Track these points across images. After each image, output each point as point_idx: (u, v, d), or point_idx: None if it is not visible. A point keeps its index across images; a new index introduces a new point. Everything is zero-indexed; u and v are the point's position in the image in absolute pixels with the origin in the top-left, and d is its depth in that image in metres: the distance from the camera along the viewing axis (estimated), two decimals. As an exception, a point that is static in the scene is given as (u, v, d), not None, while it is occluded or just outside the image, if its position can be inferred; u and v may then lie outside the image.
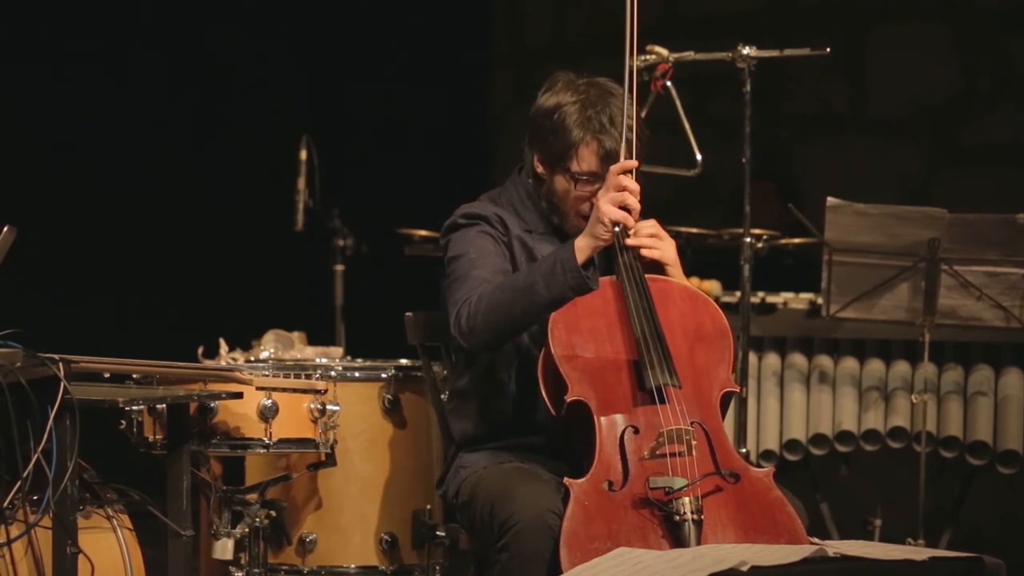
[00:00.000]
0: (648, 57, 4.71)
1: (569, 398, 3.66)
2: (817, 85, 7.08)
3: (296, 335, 5.14)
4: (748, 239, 4.83)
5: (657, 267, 3.83)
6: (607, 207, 3.67)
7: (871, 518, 5.18)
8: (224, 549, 4.20)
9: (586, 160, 3.79)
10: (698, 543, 3.50)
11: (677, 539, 3.52)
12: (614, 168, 3.71)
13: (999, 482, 5.22)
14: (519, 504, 3.56)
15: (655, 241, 3.79)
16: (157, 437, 4.03)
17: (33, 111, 6.86)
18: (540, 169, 3.87)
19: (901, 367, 5.06)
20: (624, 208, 3.68)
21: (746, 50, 4.75)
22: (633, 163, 3.71)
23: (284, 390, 4.11)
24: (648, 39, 4.78)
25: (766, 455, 5.14)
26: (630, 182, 3.70)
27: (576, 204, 3.83)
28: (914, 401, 4.91)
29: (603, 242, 3.69)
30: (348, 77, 7.73)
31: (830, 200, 4.74)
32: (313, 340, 5.26)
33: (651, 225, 3.82)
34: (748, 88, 4.78)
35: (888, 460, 5.23)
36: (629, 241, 3.77)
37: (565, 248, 3.70)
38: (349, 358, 4.99)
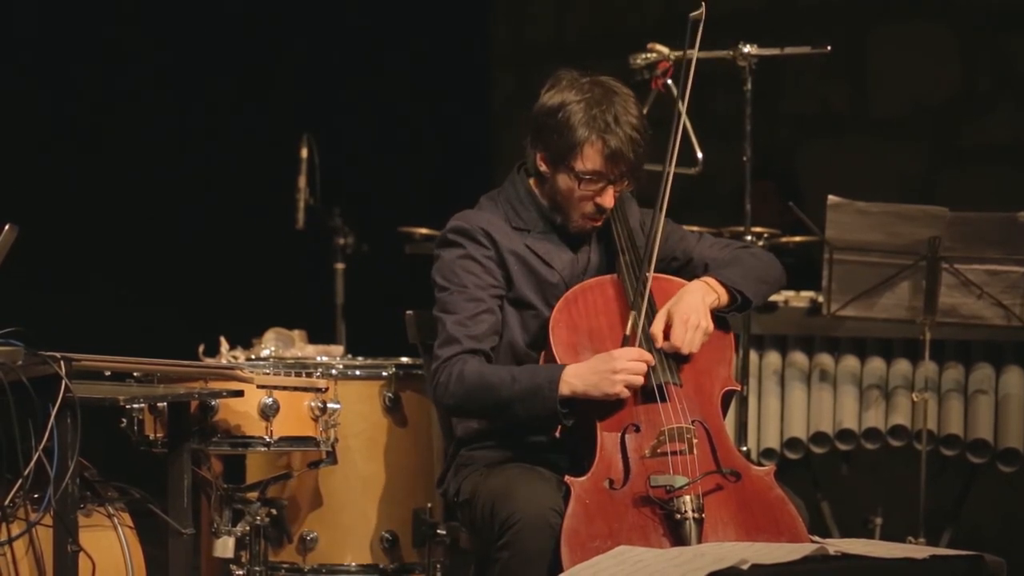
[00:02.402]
0: (649, 55, 4.72)
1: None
2: (818, 84, 7.08)
3: (297, 333, 5.14)
4: (749, 237, 4.83)
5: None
6: (620, 387, 3.62)
7: (872, 516, 5.18)
8: (225, 547, 4.21)
9: (591, 159, 3.78)
10: (699, 542, 3.51)
11: (678, 537, 3.52)
12: (637, 355, 3.66)
13: (1000, 480, 5.22)
14: (520, 502, 3.56)
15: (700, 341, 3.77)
16: (158, 435, 4.02)
17: (34, 110, 6.86)
18: (543, 168, 3.86)
19: (902, 365, 5.06)
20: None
21: (747, 49, 4.75)
22: (650, 359, 3.67)
23: (285, 388, 4.11)
24: (649, 37, 4.79)
25: (767, 453, 5.14)
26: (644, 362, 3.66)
27: (580, 203, 3.83)
28: (915, 399, 4.91)
29: (594, 397, 3.65)
30: (349, 76, 7.72)
31: (831, 198, 4.74)
32: (314, 338, 5.25)
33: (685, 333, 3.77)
34: (749, 87, 4.78)
35: (889, 458, 5.23)
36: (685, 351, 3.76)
37: (553, 376, 3.65)
38: (350, 356, 4.99)
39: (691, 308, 3.75)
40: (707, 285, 3.83)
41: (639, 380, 3.64)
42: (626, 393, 3.64)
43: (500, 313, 3.82)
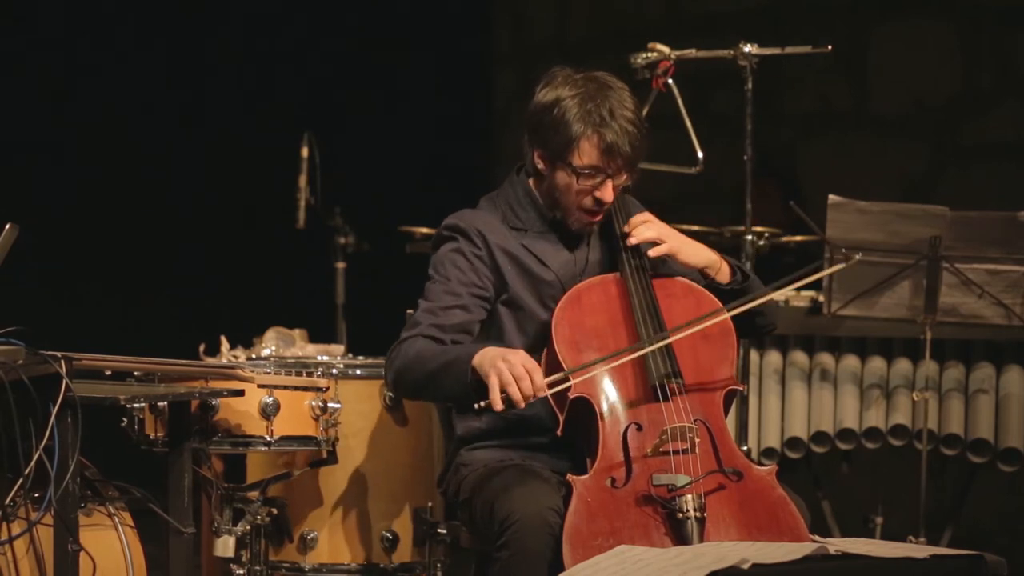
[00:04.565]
0: (650, 54, 4.72)
1: (572, 395, 3.66)
2: (819, 83, 7.08)
3: (297, 332, 5.14)
4: (749, 237, 4.83)
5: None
6: (493, 377, 3.50)
7: (872, 516, 5.18)
8: (225, 546, 4.21)
9: (587, 154, 3.77)
10: (700, 541, 3.51)
11: (680, 537, 3.52)
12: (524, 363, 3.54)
13: (1000, 480, 5.22)
14: (518, 502, 3.56)
15: (656, 233, 3.80)
16: (158, 435, 4.03)
17: (34, 108, 6.87)
18: (541, 165, 3.85)
19: (902, 365, 5.06)
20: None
21: (747, 48, 4.75)
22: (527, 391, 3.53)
23: (285, 388, 4.12)
24: (650, 37, 4.79)
25: (768, 453, 5.14)
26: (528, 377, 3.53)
27: (578, 198, 3.82)
28: (915, 399, 4.91)
29: (483, 377, 3.55)
30: (350, 75, 7.73)
31: (832, 198, 4.74)
32: (314, 338, 5.26)
33: (644, 218, 3.84)
34: (749, 86, 4.78)
35: (889, 458, 5.23)
36: (632, 241, 3.80)
37: (473, 350, 3.59)
38: (350, 356, 4.99)
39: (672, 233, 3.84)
40: (713, 251, 3.86)
41: (512, 386, 3.49)
42: (493, 381, 3.50)
43: (477, 314, 3.79)
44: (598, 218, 3.86)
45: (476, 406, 3.56)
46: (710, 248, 3.89)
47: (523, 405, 3.54)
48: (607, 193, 3.79)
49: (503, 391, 3.51)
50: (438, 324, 3.74)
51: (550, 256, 3.87)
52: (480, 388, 3.58)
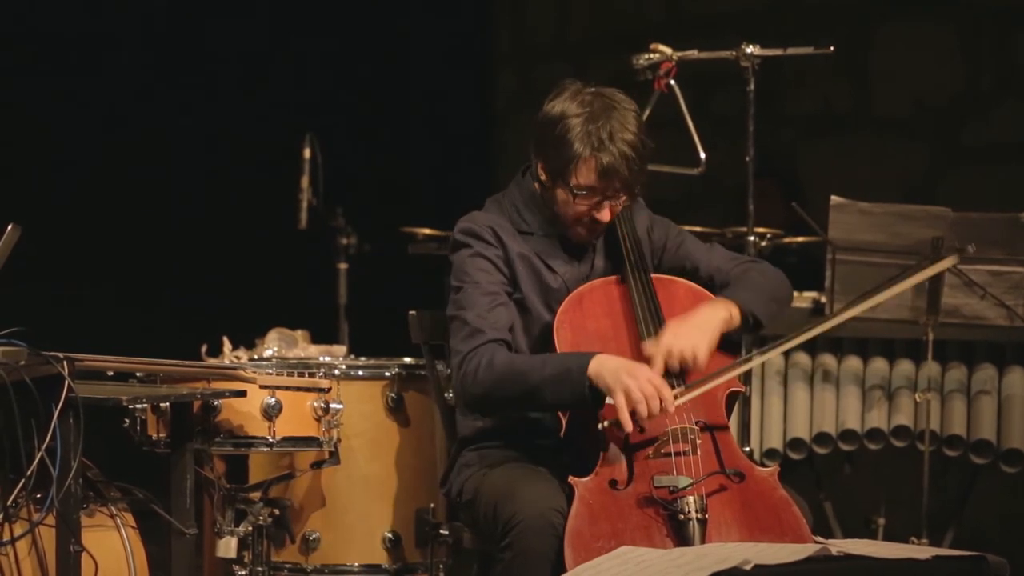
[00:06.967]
0: (652, 55, 4.72)
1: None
2: (820, 84, 7.08)
3: (300, 333, 5.14)
4: (752, 237, 4.83)
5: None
6: (620, 395, 3.54)
7: (874, 517, 5.18)
8: (228, 547, 4.21)
9: (584, 175, 3.77)
10: (702, 542, 3.51)
11: (681, 538, 3.52)
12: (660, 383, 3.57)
13: (1002, 481, 5.22)
14: (522, 503, 3.56)
15: (679, 357, 3.73)
16: (161, 435, 4.03)
17: (35, 109, 6.86)
18: (543, 176, 3.86)
19: (905, 366, 5.06)
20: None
21: (749, 49, 4.75)
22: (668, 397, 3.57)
23: (288, 388, 4.12)
24: (652, 38, 4.79)
25: (770, 454, 5.14)
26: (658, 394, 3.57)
27: (577, 216, 3.83)
28: (918, 400, 4.91)
29: (609, 388, 3.57)
30: (351, 75, 7.73)
31: (834, 199, 4.74)
32: (317, 338, 5.26)
33: (665, 351, 3.73)
34: (751, 87, 4.78)
35: (892, 459, 5.23)
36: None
37: (583, 360, 3.61)
38: (353, 356, 4.99)
39: (693, 339, 3.72)
40: (724, 307, 3.80)
41: (642, 404, 3.54)
42: (621, 401, 3.54)
43: (512, 309, 3.82)
44: (595, 234, 3.87)
45: (600, 426, 3.57)
46: (715, 305, 3.82)
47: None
48: (604, 214, 3.80)
49: (632, 409, 3.53)
50: (495, 326, 3.75)
51: (557, 261, 3.88)
52: (596, 398, 3.59)
